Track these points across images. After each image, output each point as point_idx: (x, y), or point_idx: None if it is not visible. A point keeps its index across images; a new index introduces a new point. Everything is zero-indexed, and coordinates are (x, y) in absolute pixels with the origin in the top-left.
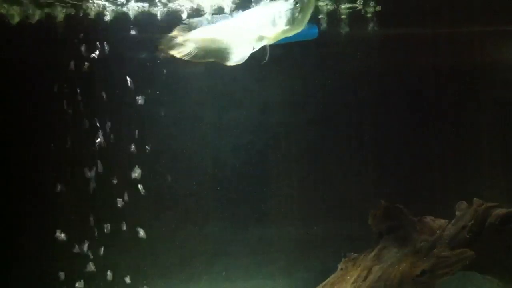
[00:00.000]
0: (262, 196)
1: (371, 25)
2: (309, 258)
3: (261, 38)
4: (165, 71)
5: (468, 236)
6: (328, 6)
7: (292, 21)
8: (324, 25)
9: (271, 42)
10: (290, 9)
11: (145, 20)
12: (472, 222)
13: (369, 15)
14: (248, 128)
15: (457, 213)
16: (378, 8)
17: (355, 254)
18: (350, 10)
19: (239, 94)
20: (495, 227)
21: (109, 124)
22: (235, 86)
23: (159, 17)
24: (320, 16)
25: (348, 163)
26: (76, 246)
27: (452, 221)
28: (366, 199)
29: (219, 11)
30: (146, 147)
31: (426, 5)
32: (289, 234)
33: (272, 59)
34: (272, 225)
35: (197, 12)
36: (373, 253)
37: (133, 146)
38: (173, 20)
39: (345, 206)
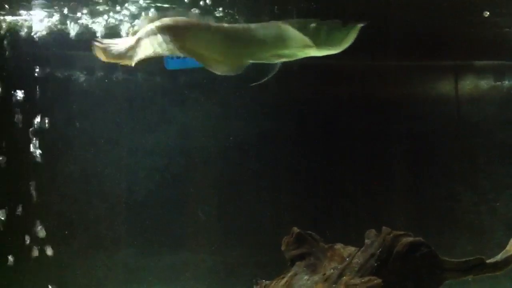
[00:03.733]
0: (177, 222)
1: None
2: (223, 285)
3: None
4: (76, 90)
5: (376, 264)
6: None
7: (332, 42)
8: None
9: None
10: (335, 29)
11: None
12: (380, 250)
13: None
14: (165, 152)
15: (366, 241)
16: None
17: (266, 282)
18: None
19: (156, 117)
20: (402, 255)
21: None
22: (152, 108)
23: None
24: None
25: (264, 189)
26: None
27: (361, 249)
28: (280, 226)
29: None
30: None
31: None
32: (203, 261)
33: (192, 83)
34: (186, 251)
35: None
36: (284, 280)
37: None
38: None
39: (260, 233)
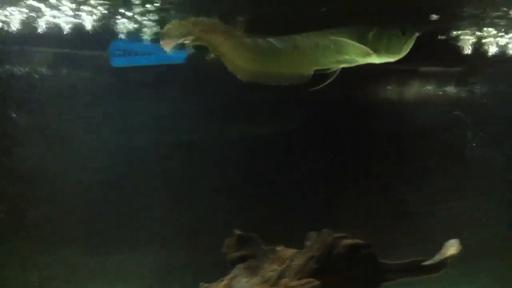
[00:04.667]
0: (120, 222)
1: None
2: (165, 286)
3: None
4: (19, 86)
5: (315, 266)
6: None
7: (392, 49)
8: (192, 50)
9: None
10: (394, 37)
11: None
12: (320, 252)
13: None
14: (110, 150)
15: (306, 243)
16: None
17: (206, 284)
18: None
19: (101, 114)
20: (342, 256)
21: None
22: (98, 106)
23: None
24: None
25: (210, 190)
26: None
27: (302, 251)
28: (225, 228)
29: None
30: None
31: None
32: (147, 261)
33: (139, 80)
34: (130, 252)
35: None
36: (223, 283)
37: None
38: None
39: (205, 235)
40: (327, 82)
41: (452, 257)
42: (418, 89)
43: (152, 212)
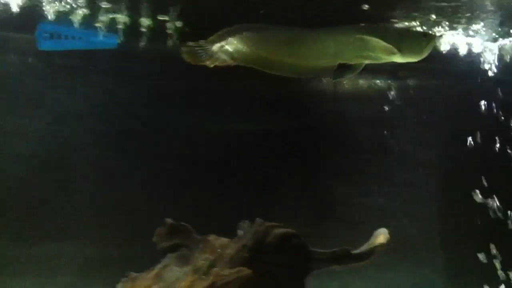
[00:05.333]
0: (49, 212)
1: (171, 41)
2: (96, 277)
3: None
4: None
5: (247, 255)
6: (129, 18)
7: (414, 50)
8: (124, 36)
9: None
10: (417, 38)
11: None
12: (252, 241)
13: (169, 31)
14: (36, 138)
15: (238, 232)
16: (179, 24)
17: (136, 274)
18: (151, 24)
19: (27, 100)
20: (274, 245)
21: None
22: (24, 91)
23: None
24: (119, 27)
25: (141, 180)
26: None
27: (234, 240)
28: (157, 218)
29: None
30: None
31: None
32: (77, 252)
33: (69, 66)
34: (60, 243)
35: None
36: (153, 272)
37: None
38: None
39: (136, 225)
40: (351, 75)
41: (381, 245)
42: (351, 83)
43: (82, 202)
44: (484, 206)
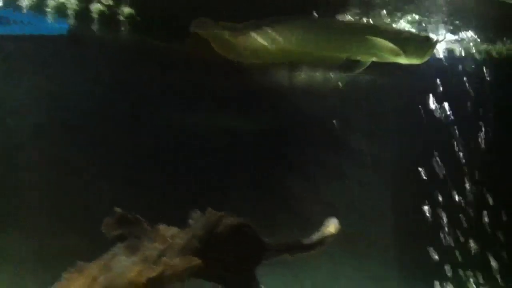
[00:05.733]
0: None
1: (122, 29)
2: (48, 270)
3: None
4: None
5: (198, 244)
6: (78, 4)
7: (419, 53)
8: (74, 22)
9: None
10: (422, 42)
11: None
12: (204, 231)
13: (121, 17)
14: None
15: (190, 221)
16: (131, 11)
17: (83, 263)
18: (102, 10)
19: None
20: (225, 235)
21: None
22: None
23: None
24: (69, 13)
25: (94, 171)
26: None
27: (185, 230)
28: (105, 209)
29: None
30: None
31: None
32: (28, 246)
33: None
34: (10, 235)
35: None
36: (101, 262)
37: None
38: None
39: (88, 216)
40: (359, 71)
41: (331, 235)
42: (305, 78)
43: (29, 194)
44: (434, 201)
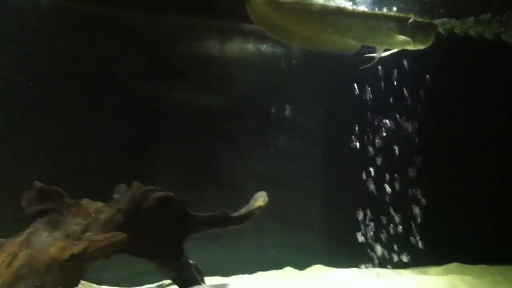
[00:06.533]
0: None
1: None
2: None
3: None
4: None
5: (123, 218)
6: None
7: (425, 39)
8: None
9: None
10: (428, 28)
11: None
12: (129, 205)
13: None
14: None
15: (114, 196)
16: None
17: (2, 240)
18: None
19: None
20: (151, 209)
21: None
22: None
23: None
24: None
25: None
26: None
27: (109, 204)
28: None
29: None
30: None
31: None
32: None
33: None
34: None
35: None
36: (21, 238)
37: None
38: None
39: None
40: (372, 63)
41: (260, 208)
42: (237, 49)
43: None
44: (363, 172)
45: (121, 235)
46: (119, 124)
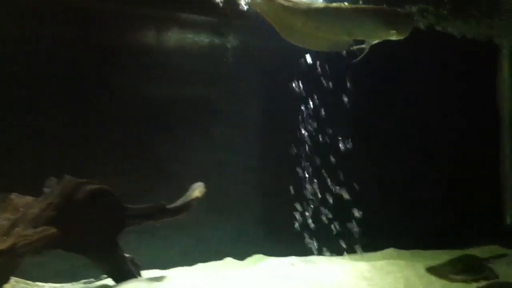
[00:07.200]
0: None
1: None
2: None
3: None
4: None
5: (54, 213)
6: None
7: (403, 30)
8: None
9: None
10: (405, 20)
11: None
12: (59, 199)
13: None
14: None
15: (44, 189)
16: None
17: None
18: None
19: None
20: (84, 203)
21: None
22: None
23: None
24: None
25: None
26: None
27: (39, 199)
28: None
29: None
30: None
31: None
32: None
33: None
34: None
35: None
36: None
37: None
38: None
39: None
40: (363, 54)
41: (197, 199)
42: (175, 38)
43: None
44: (300, 162)
45: (51, 230)
46: (53, 116)
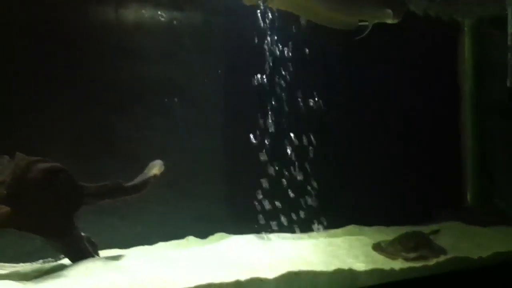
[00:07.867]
0: None
1: None
2: None
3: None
4: None
5: (6, 191)
6: None
7: (397, 14)
8: None
9: None
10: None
11: None
12: (12, 177)
13: None
14: None
15: None
16: None
17: None
18: None
19: None
20: (37, 181)
21: None
22: None
23: None
24: None
25: None
26: None
27: None
28: None
29: None
30: None
31: None
32: None
33: None
34: None
35: None
36: None
37: None
38: None
39: None
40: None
41: (155, 176)
42: (133, 15)
43: None
44: (264, 143)
45: (4, 209)
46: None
